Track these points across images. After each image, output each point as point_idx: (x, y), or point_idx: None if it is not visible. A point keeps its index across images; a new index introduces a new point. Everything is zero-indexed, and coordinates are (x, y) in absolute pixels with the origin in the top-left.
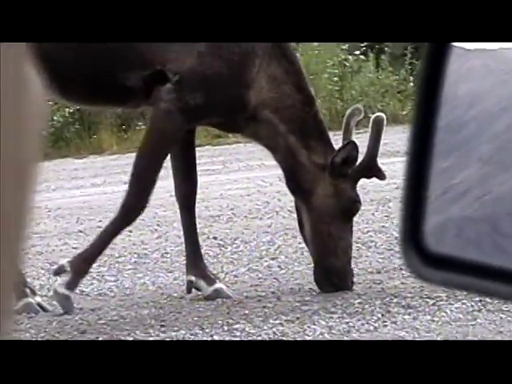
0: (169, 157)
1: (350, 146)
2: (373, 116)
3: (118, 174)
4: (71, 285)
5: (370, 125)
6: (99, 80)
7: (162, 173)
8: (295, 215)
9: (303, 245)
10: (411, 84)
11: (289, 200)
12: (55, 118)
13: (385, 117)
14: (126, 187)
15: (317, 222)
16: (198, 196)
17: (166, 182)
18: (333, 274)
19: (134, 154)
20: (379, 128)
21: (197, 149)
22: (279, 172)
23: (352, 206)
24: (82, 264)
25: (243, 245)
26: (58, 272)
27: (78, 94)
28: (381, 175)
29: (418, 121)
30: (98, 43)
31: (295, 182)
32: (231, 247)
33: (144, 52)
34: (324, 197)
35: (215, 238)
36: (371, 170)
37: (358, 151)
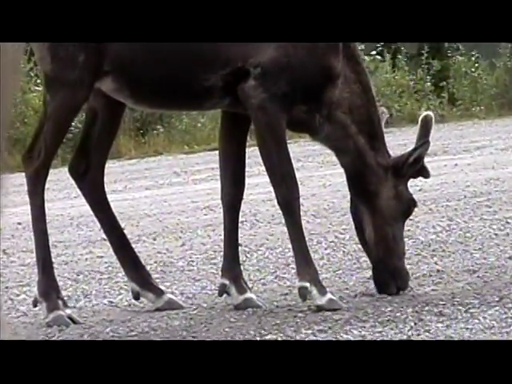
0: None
1: (426, 146)
2: (421, 115)
3: (138, 180)
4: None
5: (419, 124)
6: (176, 83)
7: (180, 179)
8: (319, 220)
9: (329, 251)
10: (428, 83)
11: (311, 204)
12: (72, 123)
13: (433, 116)
14: (147, 193)
15: (381, 224)
16: (217, 202)
17: (186, 188)
18: (397, 275)
19: (152, 159)
20: (428, 127)
21: (213, 152)
22: (301, 175)
23: (412, 207)
24: (309, 270)
25: (269, 251)
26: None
27: (153, 98)
28: (426, 174)
29: None
30: (175, 45)
31: (360, 184)
32: (257, 254)
33: (223, 51)
34: (388, 199)
35: (240, 245)
36: (420, 169)
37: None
